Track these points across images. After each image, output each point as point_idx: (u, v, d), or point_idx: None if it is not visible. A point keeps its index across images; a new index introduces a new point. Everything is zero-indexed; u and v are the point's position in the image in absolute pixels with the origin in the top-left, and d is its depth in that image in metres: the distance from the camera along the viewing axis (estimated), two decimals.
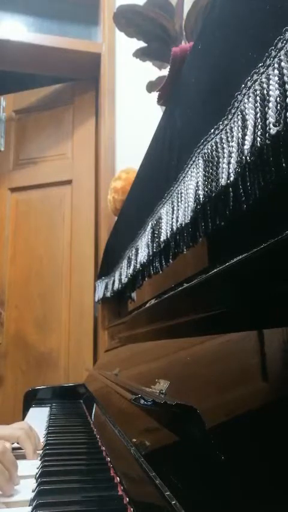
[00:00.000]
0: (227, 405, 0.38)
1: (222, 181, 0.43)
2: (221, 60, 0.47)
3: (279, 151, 0.35)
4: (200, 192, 0.49)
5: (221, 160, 0.44)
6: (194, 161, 0.53)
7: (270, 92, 0.34)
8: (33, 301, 1.98)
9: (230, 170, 0.41)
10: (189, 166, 0.54)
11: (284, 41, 0.33)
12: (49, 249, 2.02)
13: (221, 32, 0.48)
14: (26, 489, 0.51)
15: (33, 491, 0.49)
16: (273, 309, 0.36)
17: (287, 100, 0.32)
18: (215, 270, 0.47)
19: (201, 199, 0.49)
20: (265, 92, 0.35)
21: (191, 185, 0.53)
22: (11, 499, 0.50)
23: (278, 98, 0.33)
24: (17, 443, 0.70)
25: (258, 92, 0.37)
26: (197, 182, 0.51)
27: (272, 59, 0.35)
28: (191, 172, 0.53)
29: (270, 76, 0.35)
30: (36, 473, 0.56)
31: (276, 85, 0.34)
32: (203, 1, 0.83)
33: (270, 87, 0.34)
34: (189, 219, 0.54)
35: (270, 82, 0.35)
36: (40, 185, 2.09)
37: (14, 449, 0.69)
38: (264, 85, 0.36)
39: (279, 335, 0.33)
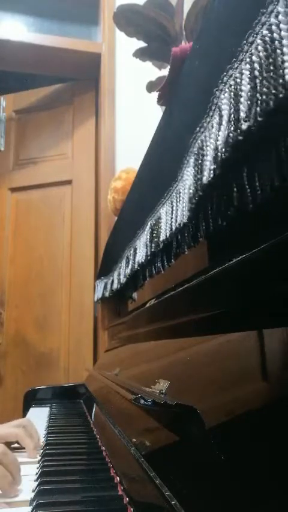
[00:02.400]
0: (227, 405, 0.38)
1: (204, 179, 0.43)
2: (214, 59, 0.47)
3: (254, 146, 0.34)
4: (191, 191, 0.49)
5: (205, 157, 0.44)
6: (188, 161, 0.53)
7: (243, 87, 0.34)
8: (33, 301, 1.98)
9: (211, 168, 0.41)
10: (185, 165, 0.54)
11: (255, 35, 0.33)
12: (49, 249, 2.02)
13: (216, 31, 0.48)
14: (27, 489, 0.51)
15: (33, 491, 0.49)
16: (273, 309, 0.36)
17: (257, 95, 0.32)
18: (215, 270, 0.47)
19: (192, 198, 0.49)
20: (238, 87, 0.35)
21: (187, 184, 0.53)
22: (13, 499, 0.50)
23: (249, 93, 0.33)
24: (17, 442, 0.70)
25: (232, 87, 0.36)
26: (190, 181, 0.50)
27: (244, 53, 0.35)
28: (187, 172, 0.53)
29: (243, 71, 0.34)
30: (36, 473, 0.56)
31: (248, 79, 0.34)
32: (203, 1, 0.83)
33: (243, 82, 0.34)
34: (186, 218, 0.54)
35: (243, 76, 0.34)
36: (40, 185, 2.09)
37: (14, 448, 0.69)
38: (238, 80, 0.35)
39: (279, 335, 0.33)
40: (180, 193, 0.57)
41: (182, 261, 0.66)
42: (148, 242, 0.73)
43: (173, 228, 0.60)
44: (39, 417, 1.02)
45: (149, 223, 0.74)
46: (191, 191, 0.49)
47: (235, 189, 0.38)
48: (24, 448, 0.69)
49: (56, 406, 1.22)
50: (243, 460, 0.31)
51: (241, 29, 0.35)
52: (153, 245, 0.70)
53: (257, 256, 0.37)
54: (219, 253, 0.57)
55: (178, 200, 0.58)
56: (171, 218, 0.61)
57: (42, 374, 1.88)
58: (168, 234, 0.63)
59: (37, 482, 0.50)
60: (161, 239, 0.66)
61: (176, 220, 0.58)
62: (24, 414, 1.24)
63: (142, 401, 0.52)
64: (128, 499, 0.43)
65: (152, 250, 0.70)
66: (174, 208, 0.60)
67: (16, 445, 0.70)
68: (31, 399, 1.32)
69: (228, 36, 0.39)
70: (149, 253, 0.73)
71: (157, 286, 0.87)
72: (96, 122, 2.10)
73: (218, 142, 0.38)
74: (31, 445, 0.68)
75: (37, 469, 0.58)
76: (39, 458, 0.65)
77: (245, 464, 0.30)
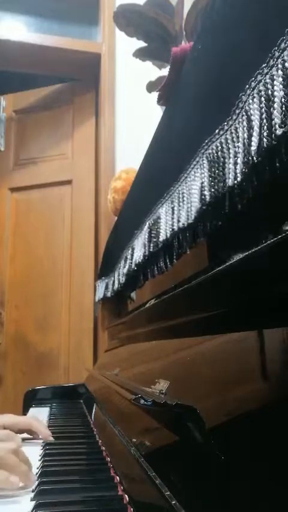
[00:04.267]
0: (227, 405, 0.38)
1: (229, 182, 0.43)
2: (222, 60, 0.47)
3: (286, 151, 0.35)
4: (206, 193, 0.49)
5: (226, 160, 0.44)
6: (198, 162, 0.52)
7: (275, 93, 0.34)
8: (33, 301, 1.98)
9: (237, 171, 0.41)
10: (192, 166, 0.54)
11: (287, 42, 0.33)
12: (49, 249, 2.01)
13: (221, 32, 0.48)
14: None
15: (33, 491, 0.49)
16: (273, 309, 0.36)
17: None
18: (215, 270, 0.47)
19: (207, 199, 0.49)
20: (270, 92, 0.35)
21: (195, 185, 0.53)
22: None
23: (283, 99, 0.33)
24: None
25: (262, 92, 0.37)
26: (202, 183, 0.50)
27: (275, 59, 0.35)
28: (195, 173, 0.53)
29: (274, 77, 0.35)
30: (37, 473, 0.56)
31: (281, 86, 0.34)
32: (203, 1, 0.83)
33: (275, 88, 0.34)
34: (192, 219, 0.54)
35: (275, 82, 0.35)
36: (40, 185, 2.09)
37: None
38: (269, 86, 0.36)
39: (279, 335, 0.33)
40: (184, 193, 0.57)
41: (182, 261, 0.66)
42: (146, 242, 0.73)
43: (175, 228, 0.60)
44: (39, 417, 1.02)
45: (147, 223, 0.74)
46: (205, 192, 0.49)
47: (259, 192, 0.39)
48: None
49: (56, 406, 1.22)
50: (243, 460, 0.31)
51: (271, 36, 0.35)
52: (151, 245, 0.70)
53: (257, 255, 0.37)
54: (219, 253, 0.57)
55: (181, 201, 0.58)
56: (173, 218, 0.61)
57: (42, 374, 1.88)
58: (169, 234, 0.63)
59: (37, 482, 0.50)
60: (161, 239, 0.66)
61: (179, 221, 0.58)
62: (24, 414, 1.23)
63: (142, 401, 0.52)
64: (128, 499, 0.43)
65: (151, 250, 0.70)
66: (175, 208, 0.60)
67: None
68: (31, 399, 1.32)
69: (249, 42, 0.39)
70: (147, 253, 0.73)
71: (157, 286, 0.87)
72: (96, 122, 2.10)
73: (252, 148, 0.38)
74: (43, 428, 0.73)
75: (37, 468, 0.58)
76: (39, 458, 0.65)
77: (245, 464, 0.30)
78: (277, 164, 0.36)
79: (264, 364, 0.34)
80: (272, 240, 0.35)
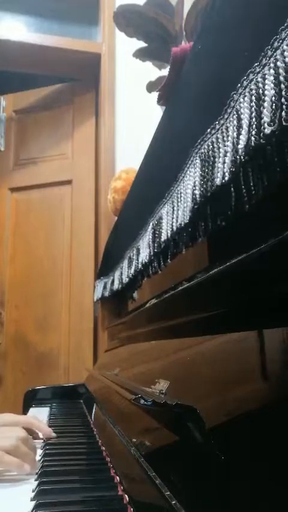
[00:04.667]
0: (227, 405, 0.38)
1: (217, 181, 0.43)
2: (220, 60, 0.47)
3: (274, 150, 0.35)
4: (197, 192, 0.49)
5: (216, 159, 0.44)
6: (192, 161, 0.52)
7: (266, 92, 0.34)
8: (33, 301, 1.98)
9: (225, 170, 0.41)
10: (187, 165, 0.54)
11: (280, 41, 0.33)
12: (49, 249, 2.02)
13: (219, 32, 0.48)
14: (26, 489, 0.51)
15: (33, 491, 0.49)
16: (273, 309, 0.36)
17: (282, 100, 0.32)
18: (215, 270, 0.47)
19: (197, 199, 0.49)
20: (261, 91, 0.35)
21: (189, 185, 0.53)
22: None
23: (273, 98, 0.33)
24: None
25: (253, 91, 0.36)
26: (194, 182, 0.50)
27: (268, 58, 0.35)
28: (190, 172, 0.53)
29: (266, 76, 0.34)
30: (37, 473, 0.56)
31: (272, 85, 0.34)
32: (203, 1, 0.83)
33: (266, 86, 0.34)
34: (188, 219, 0.54)
35: (266, 81, 0.34)
36: (40, 185, 2.09)
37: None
38: (260, 85, 0.35)
39: (279, 334, 0.33)
40: (181, 193, 0.57)
41: (182, 260, 0.66)
42: (151, 242, 0.73)
43: (174, 228, 0.60)
44: (39, 417, 1.02)
45: (151, 224, 0.74)
46: (196, 191, 0.49)
47: (248, 191, 0.39)
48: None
49: (56, 406, 1.22)
50: (243, 460, 0.31)
51: (265, 35, 0.35)
52: (155, 245, 0.70)
53: (257, 256, 0.37)
54: (219, 253, 0.57)
55: (179, 200, 0.58)
56: (172, 218, 0.61)
57: (42, 374, 1.88)
58: (169, 234, 0.63)
59: (37, 482, 0.51)
60: (162, 239, 0.66)
61: (177, 221, 0.58)
62: (24, 414, 1.23)
63: (142, 401, 0.52)
64: (128, 499, 0.43)
65: (155, 250, 0.70)
66: (175, 208, 0.60)
67: None
68: (31, 399, 1.32)
69: (246, 41, 0.39)
70: (152, 253, 0.73)
71: (157, 286, 0.87)
72: (96, 122, 2.10)
73: (239, 146, 0.38)
74: (43, 426, 0.74)
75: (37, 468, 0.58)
76: (39, 458, 0.65)
77: (245, 464, 0.30)
78: (267, 162, 0.35)
79: (264, 364, 0.34)
80: (272, 240, 0.35)
